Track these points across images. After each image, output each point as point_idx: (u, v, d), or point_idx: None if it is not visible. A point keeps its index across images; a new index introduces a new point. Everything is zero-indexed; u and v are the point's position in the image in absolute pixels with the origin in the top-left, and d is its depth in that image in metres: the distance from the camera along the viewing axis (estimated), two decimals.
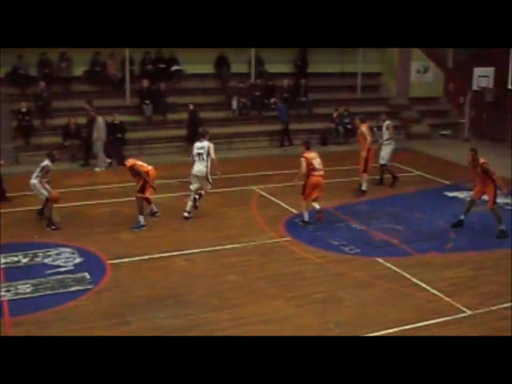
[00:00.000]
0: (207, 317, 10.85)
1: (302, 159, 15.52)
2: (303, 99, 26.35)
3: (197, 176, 15.83)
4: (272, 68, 27.23)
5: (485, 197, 15.48)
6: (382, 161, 19.57)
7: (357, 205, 17.66)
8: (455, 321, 11.14)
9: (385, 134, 19.66)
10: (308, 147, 16.00)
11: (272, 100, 25.75)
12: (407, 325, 10.79)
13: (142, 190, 15.13)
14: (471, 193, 16.15)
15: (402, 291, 12.27)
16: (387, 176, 19.72)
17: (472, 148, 15.77)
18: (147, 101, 23.76)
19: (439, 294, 12.16)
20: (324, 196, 17.55)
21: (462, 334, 10.58)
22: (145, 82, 23.99)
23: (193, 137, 22.27)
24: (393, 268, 13.32)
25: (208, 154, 15.72)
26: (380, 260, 13.71)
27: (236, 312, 11.09)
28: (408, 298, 12.00)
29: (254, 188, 18.77)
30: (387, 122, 19.76)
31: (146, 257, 13.45)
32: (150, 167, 15.46)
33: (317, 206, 15.84)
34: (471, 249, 14.62)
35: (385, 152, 19.55)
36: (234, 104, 25.07)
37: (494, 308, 11.67)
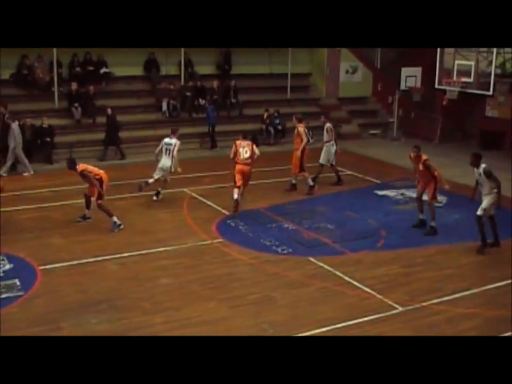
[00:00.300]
0: (140, 321, 10.70)
1: (233, 145, 16.81)
2: (233, 100, 26.30)
3: (162, 170, 17.15)
4: (202, 70, 27.10)
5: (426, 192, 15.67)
6: (321, 161, 19.65)
7: (288, 205, 17.69)
8: (387, 318, 11.27)
9: (325, 136, 19.78)
10: (244, 136, 16.96)
11: (202, 102, 25.60)
12: (340, 323, 10.87)
13: (100, 196, 14.96)
14: (416, 191, 16.35)
15: (335, 290, 12.33)
16: (322, 176, 19.77)
17: (415, 145, 15.99)
18: (76, 104, 23.35)
19: (371, 291, 12.27)
20: (256, 196, 17.59)
21: (394, 330, 10.72)
22: (74, 85, 23.55)
23: (111, 141, 22.03)
24: (326, 267, 13.38)
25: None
26: (312, 259, 13.76)
27: (169, 315, 10.97)
28: (341, 296, 12.08)
29: (185, 189, 18.62)
30: (327, 124, 19.86)
31: (77, 262, 13.18)
32: (101, 171, 15.22)
33: (235, 195, 16.36)
34: (402, 246, 14.82)
35: (326, 153, 19.64)
36: (164, 106, 24.85)
37: (425, 304, 11.85)
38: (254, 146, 17.07)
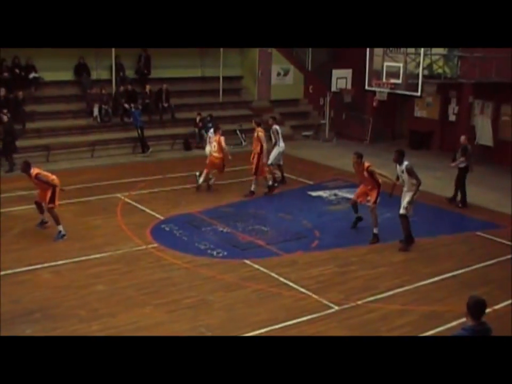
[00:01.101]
0: (75, 329, 10.53)
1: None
2: (165, 104, 26.15)
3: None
4: (133, 74, 26.89)
5: (368, 198, 15.70)
6: (270, 162, 19.68)
7: (222, 208, 17.67)
8: (323, 317, 11.39)
9: (273, 138, 19.89)
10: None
11: (131, 105, 25.38)
12: (276, 324, 10.92)
13: (53, 200, 14.64)
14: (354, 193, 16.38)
15: (271, 291, 12.39)
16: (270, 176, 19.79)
17: (355, 151, 15.81)
18: (4, 110, 22.83)
19: (306, 292, 12.38)
20: (189, 200, 17.56)
21: (330, 329, 10.84)
22: (2, 91, 23.03)
23: (8, 150, 21.32)
24: (261, 268, 13.43)
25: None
26: (248, 262, 13.79)
27: (106, 322, 10.84)
28: (277, 298, 12.14)
29: (119, 195, 18.41)
30: (274, 126, 19.95)
31: (9, 271, 12.86)
32: (54, 176, 14.96)
33: (200, 179, 18.95)
34: (336, 246, 14.98)
35: (273, 154, 19.71)
36: (96, 111, 24.53)
37: (360, 302, 12.02)
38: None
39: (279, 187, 19.66)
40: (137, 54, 26.07)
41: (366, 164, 15.30)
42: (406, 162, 14.36)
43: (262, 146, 18.77)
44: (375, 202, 15.35)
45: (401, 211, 14.48)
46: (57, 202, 14.78)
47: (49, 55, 23.11)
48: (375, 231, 15.39)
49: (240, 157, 22.28)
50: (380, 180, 15.38)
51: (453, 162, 18.59)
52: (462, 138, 18.86)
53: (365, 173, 15.30)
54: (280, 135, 19.98)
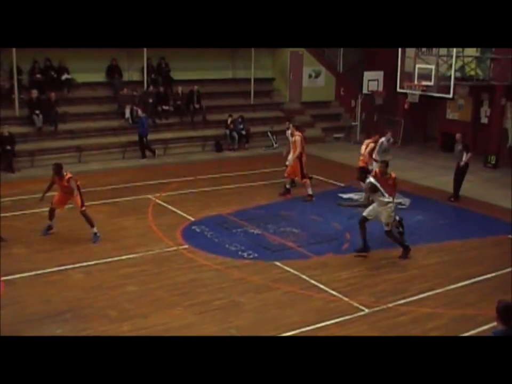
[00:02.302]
0: (106, 330, 10.60)
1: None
2: (197, 106, 26.25)
3: None
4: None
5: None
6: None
7: (253, 210, 17.70)
8: (354, 320, 11.35)
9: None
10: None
11: (166, 107, 25.55)
12: (307, 326, 10.91)
13: (83, 203, 14.79)
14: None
15: (301, 293, 12.37)
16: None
17: (383, 160, 15.95)
18: (37, 111, 23.10)
19: (337, 294, 12.35)
20: (220, 202, 17.61)
21: (360, 332, 10.79)
22: (34, 92, 23.27)
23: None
24: (292, 271, 13.43)
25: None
26: (278, 264, 13.79)
27: (136, 323, 10.90)
28: (307, 300, 12.12)
29: (150, 196, 18.53)
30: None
31: (40, 271, 13.02)
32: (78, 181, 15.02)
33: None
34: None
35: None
36: (127, 112, 24.70)
37: (390, 305, 11.96)
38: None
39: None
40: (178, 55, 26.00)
41: (393, 175, 15.17)
42: (368, 179, 14.28)
43: (297, 150, 18.67)
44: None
45: (386, 228, 14.32)
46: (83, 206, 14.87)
47: (82, 56, 23.41)
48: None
49: (271, 159, 22.35)
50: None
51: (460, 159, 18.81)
52: (458, 135, 19.09)
53: (390, 181, 14.97)
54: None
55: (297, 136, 18.83)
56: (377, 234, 15.89)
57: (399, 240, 14.69)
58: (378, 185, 14.02)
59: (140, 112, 24.12)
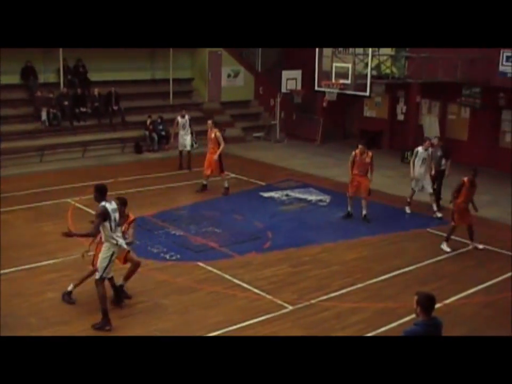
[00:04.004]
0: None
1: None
2: (115, 107, 25.95)
3: None
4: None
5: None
6: None
7: (175, 211, 17.62)
8: (278, 317, 11.44)
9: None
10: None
11: (83, 109, 25.18)
12: (232, 326, 10.94)
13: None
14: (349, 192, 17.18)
15: (225, 293, 12.39)
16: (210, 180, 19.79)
17: (362, 142, 17.12)
18: None
19: (261, 292, 12.41)
20: (142, 204, 17.44)
21: (285, 329, 10.89)
22: None
23: None
24: (215, 271, 13.43)
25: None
26: (201, 264, 13.77)
27: (59, 330, 10.67)
28: (231, 299, 12.14)
29: (69, 200, 18.21)
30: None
31: None
32: None
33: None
34: (289, 246, 15.04)
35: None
36: (44, 115, 24.20)
37: (313, 301, 12.10)
38: None
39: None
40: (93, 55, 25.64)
41: (370, 153, 16.73)
42: (101, 203, 10.75)
43: (219, 145, 19.02)
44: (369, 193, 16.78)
45: (97, 275, 11.06)
46: None
47: None
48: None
49: (192, 159, 22.27)
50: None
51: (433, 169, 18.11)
52: (435, 140, 18.58)
53: (368, 160, 16.56)
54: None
55: (217, 132, 19.21)
56: (297, 231, 16.08)
57: (105, 301, 11.04)
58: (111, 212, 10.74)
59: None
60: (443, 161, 18.15)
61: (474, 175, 14.83)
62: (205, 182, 19.55)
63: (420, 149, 17.82)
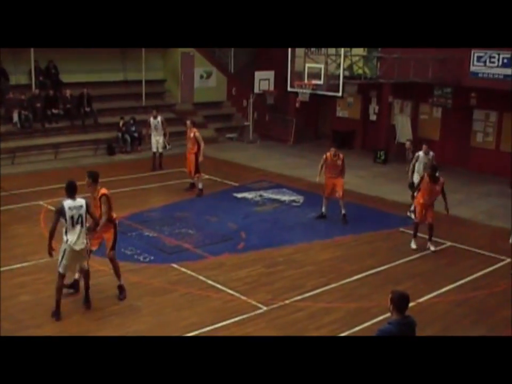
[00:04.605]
0: None
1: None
2: (87, 109, 25.80)
3: None
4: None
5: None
6: None
7: (148, 213, 17.55)
8: (252, 318, 11.46)
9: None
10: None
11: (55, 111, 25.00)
12: (206, 327, 10.94)
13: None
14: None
15: (199, 294, 12.38)
16: (180, 181, 19.83)
17: (334, 146, 17.29)
18: None
19: (235, 293, 12.42)
20: (115, 206, 17.31)
21: (259, 330, 10.91)
22: None
23: None
24: (189, 272, 13.41)
25: None
26: (175, 266, 13.74)
27: (31, 334, 10.55)
28: (206, 300, 12.13)
29: (41, 202, 18.06)
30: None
31: None
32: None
33: None
34: (263, 247, 15.07)
35: None
36: (15, 117, 24.01)
37: (287, 301, 12.13)
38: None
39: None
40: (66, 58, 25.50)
41: (342, 155, 16.79)
42: (61, 201, 11.26)
43: (199, 145, 19.05)
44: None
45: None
46: None
47: None
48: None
49: (165, 160, 22.25)
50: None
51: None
52: (425, 147, 17.74)
53: (339, 162, 16.64)
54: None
55: (196, 132, 19.26)
56: (271, 232, 16.10)
57: (56, 295, 11.26)
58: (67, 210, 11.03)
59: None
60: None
61: (434, 170, 14.85)
62: (192, 181, 19.65)
63: (420, 153, 17.49)
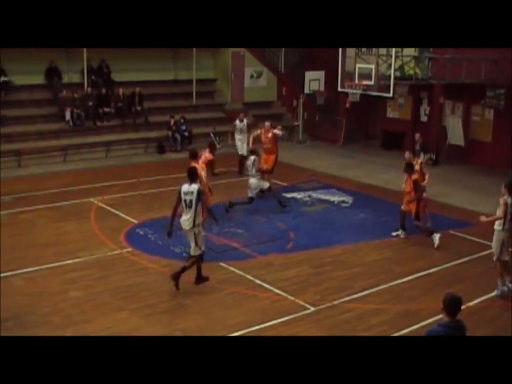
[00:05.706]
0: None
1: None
2: (139, 108, 26.05)
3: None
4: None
5: None
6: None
7: None
8: (299, 318, 11.42)
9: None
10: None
11: (107, 109, 25.31)
12: (253, 326, 10.93)
13: None
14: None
15: (247, 293, 12.39)
16: (226, 181, 19.86)
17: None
18: None
19: (282, 293, 12.39)
20: (164, 204, 17.47)
21: (306, 330, 10.87)
22: None
23: None
24: (237, 271, 13.43)
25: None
26: (223, 264, 13.78)
27: (81, 329, 10.73)
28: (253, 300, 12.13)
29: (92, 199, 18.29)
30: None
31: None
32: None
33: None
34: (311, 247, 15.00)
35: None
36: (68, 115, 24.36)
37: (335, 302, 12.06)
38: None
39: None
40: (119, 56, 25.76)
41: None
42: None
43: (277, 145, 19.67)
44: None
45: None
46: None
47: (19, 58, 22.96)
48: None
49: (217, 159, 22.29)
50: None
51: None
52: (417, 135, 19.45)
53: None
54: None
55: (278, 131, 20.00)
56: (320, 232, 16.04)
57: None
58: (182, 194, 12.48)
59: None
60: (422, 156, 18.62)
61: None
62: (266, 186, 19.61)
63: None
